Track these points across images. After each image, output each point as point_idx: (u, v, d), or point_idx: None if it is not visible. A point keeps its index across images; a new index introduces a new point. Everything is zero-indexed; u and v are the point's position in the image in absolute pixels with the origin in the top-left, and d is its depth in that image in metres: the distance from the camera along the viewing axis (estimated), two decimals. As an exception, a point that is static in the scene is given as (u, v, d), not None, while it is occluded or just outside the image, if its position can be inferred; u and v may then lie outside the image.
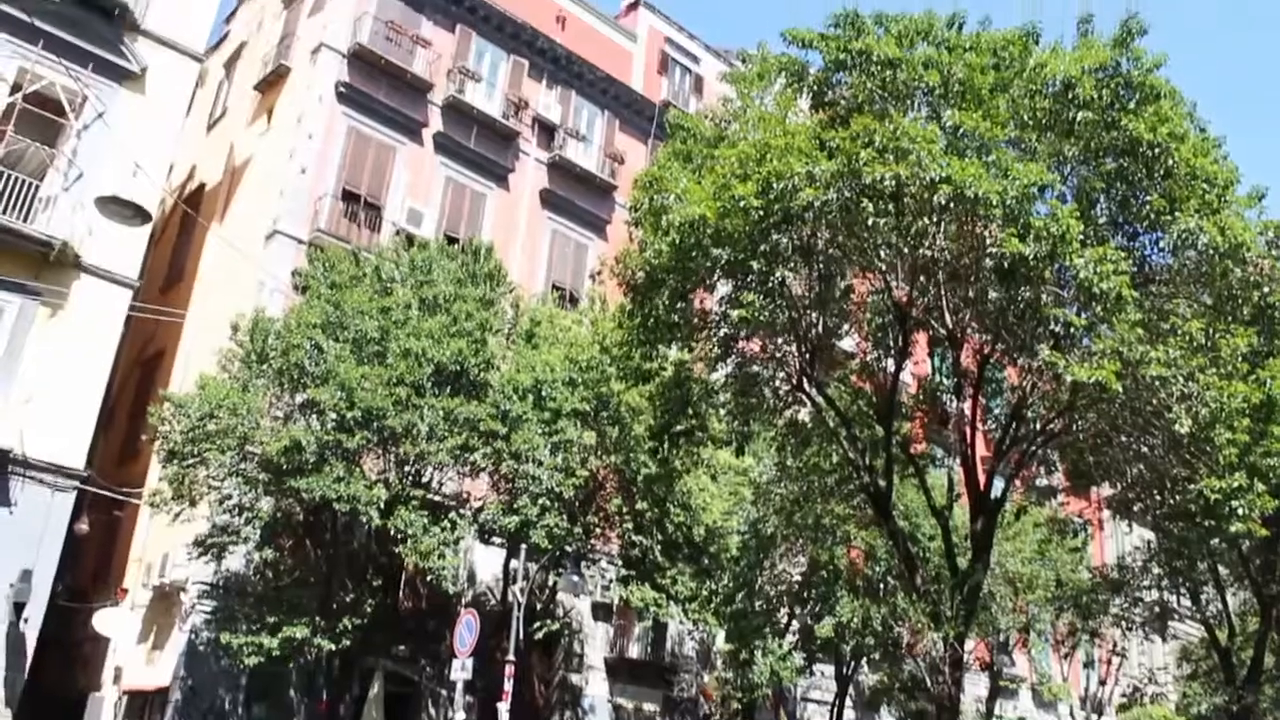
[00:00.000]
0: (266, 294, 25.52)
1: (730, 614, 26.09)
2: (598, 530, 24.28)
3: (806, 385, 18.06)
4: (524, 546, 21.33)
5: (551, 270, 32.18)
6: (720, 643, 29.63)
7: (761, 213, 14.76)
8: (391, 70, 29.63)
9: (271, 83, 30.49)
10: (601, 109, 34.99)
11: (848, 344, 20.22)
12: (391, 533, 20.70)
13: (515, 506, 21.88)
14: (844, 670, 31.29)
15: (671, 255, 15.55)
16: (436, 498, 22.32)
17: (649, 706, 31.37)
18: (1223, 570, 28.85)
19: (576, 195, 33.43)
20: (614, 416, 22.70)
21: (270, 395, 21.51)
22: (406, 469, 21.73)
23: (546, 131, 33.23)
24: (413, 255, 23.56)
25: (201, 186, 32.73)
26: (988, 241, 15.00)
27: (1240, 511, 15.92)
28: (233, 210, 30.29)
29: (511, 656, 19.88)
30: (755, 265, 15.45)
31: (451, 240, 27.92)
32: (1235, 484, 15.63)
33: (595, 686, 29.94)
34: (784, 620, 28.91)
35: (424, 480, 22.15)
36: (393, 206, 28.97)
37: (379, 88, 29.51)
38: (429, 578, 21.70)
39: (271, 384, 21.40)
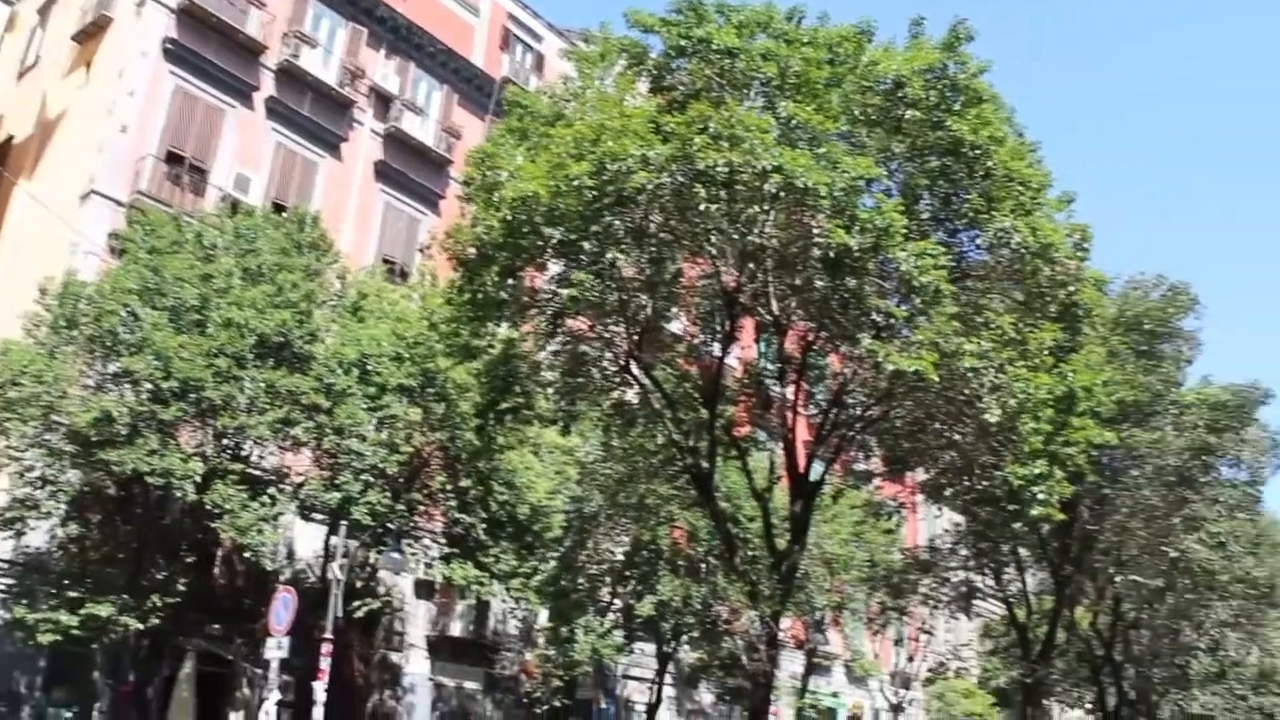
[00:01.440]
0: (80, 257, 24.36)
1: (553, 592, 26.21)
2: (421, 507, 24.03)
3: (634, 366, 18.21)
4: (345, 523, 20.98)
5: (383, 243, 31.58)
6: (542, 621, 29.73)
7: (595, 193, 14.79)
8: (223, 29, 28.49)
9: (91, 34, 28.93)
10: (440, 82, 34.44)
11: (676, 327, 20.42)
12: (208, 508, 20.08)
13: (337, 482, 21.50)
14: (664, 648, 31.75)
15: (502, 232, 15.45)
16: (256, 472, 21.75)
17: (470, 684, 31.28)
18: (1024, 552, 30.38)
19: (411, 168, 32.86)
20: (440, 393, 22.48)
21: (80, 363, 20.54)
22: (225, 442, 21.10)
23: (383, 102, 32.54)
24: (238, 222, 22.82)
25: (10, 139, 30.94)
26: (815, 231, 15.33)
27: (1041, 497, 16.79)
28: (45, 166, 28.72)
29: (329, 635, 19.55)
30: (587, 245, 15.48)
31: (280, 209, 27.10)
32: (1037, 471, 16.47)
33: (416, 664, 29.69)
34: (606, 599, 29.17)
35: (243, 454, 21.53)
36: (219, 171, 27.96)
37: (208, 46, 28.36)
38: (246, 554, 21.19)
39: (82, 351, 20.45)
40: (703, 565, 29.07)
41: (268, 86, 29.60)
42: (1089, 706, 44.55)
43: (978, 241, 17.69)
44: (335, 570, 20.21)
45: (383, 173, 32.13)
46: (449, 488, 23.51)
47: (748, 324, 19.60)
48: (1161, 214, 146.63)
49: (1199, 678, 44.40)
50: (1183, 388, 28.45)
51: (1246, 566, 33.21)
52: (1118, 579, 31.48)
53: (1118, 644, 36.16)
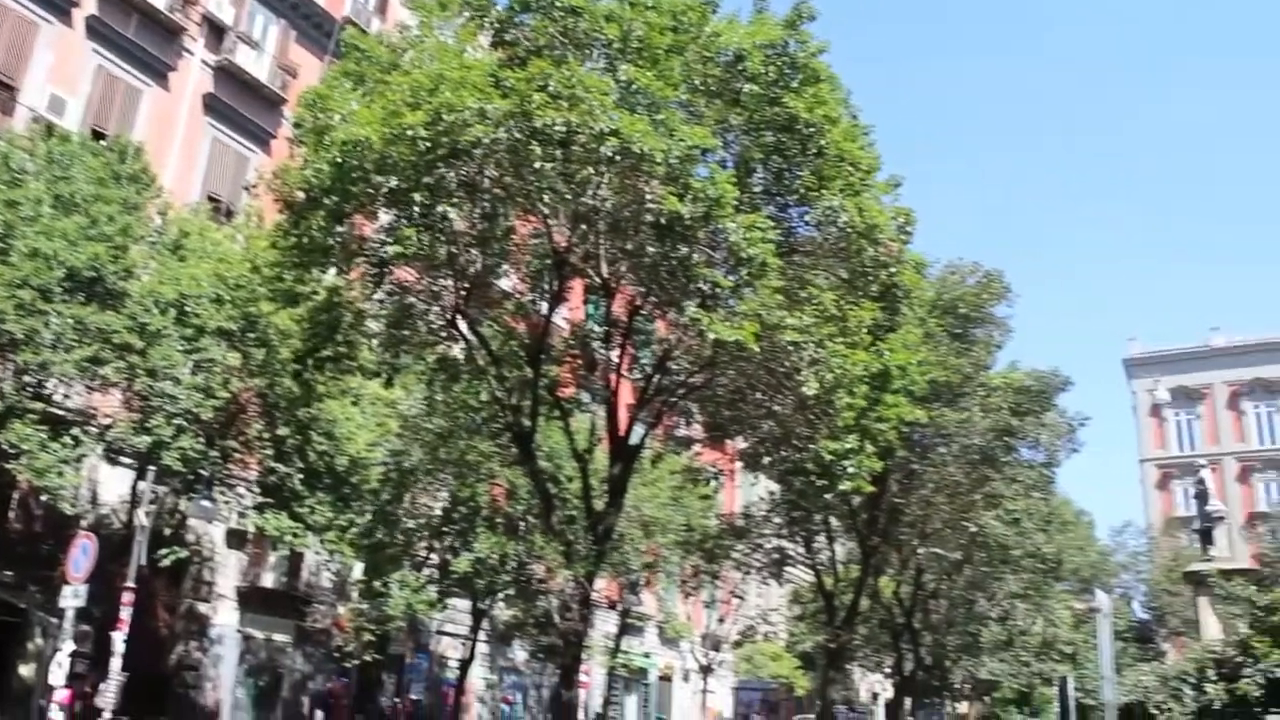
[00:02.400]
0: None
1: (368, 546, 25.90)
2: (236, 455, 23.38)
3: (460, 321, 18.06)
4: (154, 468, 20.28)
5: (208, 180, 30.42)
6: (357, 574, 29.37)
7: (429, 144, 14.57)
8: (41, -61, 26.84)
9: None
10: (278, 17, 33.23)
11: (505, 284, 20.32)
12: (3, 447, 19.12)
13: (148, 426, 20.73)
14: (479, 605, 31.75)
15: (332, 176, 15.08)
16: (59, 412, 20.81)
17: (280, 637, 30.70)
18: (834, 522, 31.40)
19: (242, 104, 31.68)
20: (261, 338, 21.88)
21: None
22: (25, 379, 20.08)
23: (216, 32, 31.20)
24: (51, 147, 21.61)
25: None
26: (648, 197, 15.43)
27: (852, 470, 17.36)
28: None
29: (131, 583, 18.91)
30: (418, 196, 15.22)
31: (99, 136, 25.74)
32: (849, 445, 17.02)
33: (224, 616, 28.96)
34: (422, 554, 28.99)
35: (45, 393, 20.54)
36: (31, 90, 26.41)
37: (21, -45, 26.70)
38: (44, 497, 20.28)
39: None
40: (521, 523, 29.15)
41: (89, 4, 27.99)
42: (888, 671, 46.48)
43: (806, 218, 18.09)
44: (141, 517, 19.55)
45: (212, 106, 30.89)
46: (266, 436, 22.94)
47: (577, 285, 19.65)
48: (981, 204, 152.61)
49: (989, 645, 46.87)
50: (991, 371, 29.73)
51: (1038, 543, 35.13)
52: (921, 551, 32.86)
53: (917, 612, 37.78)
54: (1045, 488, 35.20)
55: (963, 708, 62.79)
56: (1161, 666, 30.68)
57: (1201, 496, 35.75)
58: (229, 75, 31.29)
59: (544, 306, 18.74)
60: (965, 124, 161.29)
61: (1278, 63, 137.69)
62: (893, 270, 18.42)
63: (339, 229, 16.22)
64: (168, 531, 22.77)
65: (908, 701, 40.66)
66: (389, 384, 20.96)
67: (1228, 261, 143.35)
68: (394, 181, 15.03)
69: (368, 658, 28.64)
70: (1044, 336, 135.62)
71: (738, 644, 49.76)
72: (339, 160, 14.87)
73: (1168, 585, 57.49)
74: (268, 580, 30.11)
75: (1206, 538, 35.08)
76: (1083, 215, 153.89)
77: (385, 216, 16.86)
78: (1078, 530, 59.46)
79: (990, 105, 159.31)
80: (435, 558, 29.38)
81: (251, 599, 29.60)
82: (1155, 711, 27.64)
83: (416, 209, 15.51)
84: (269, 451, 22.82)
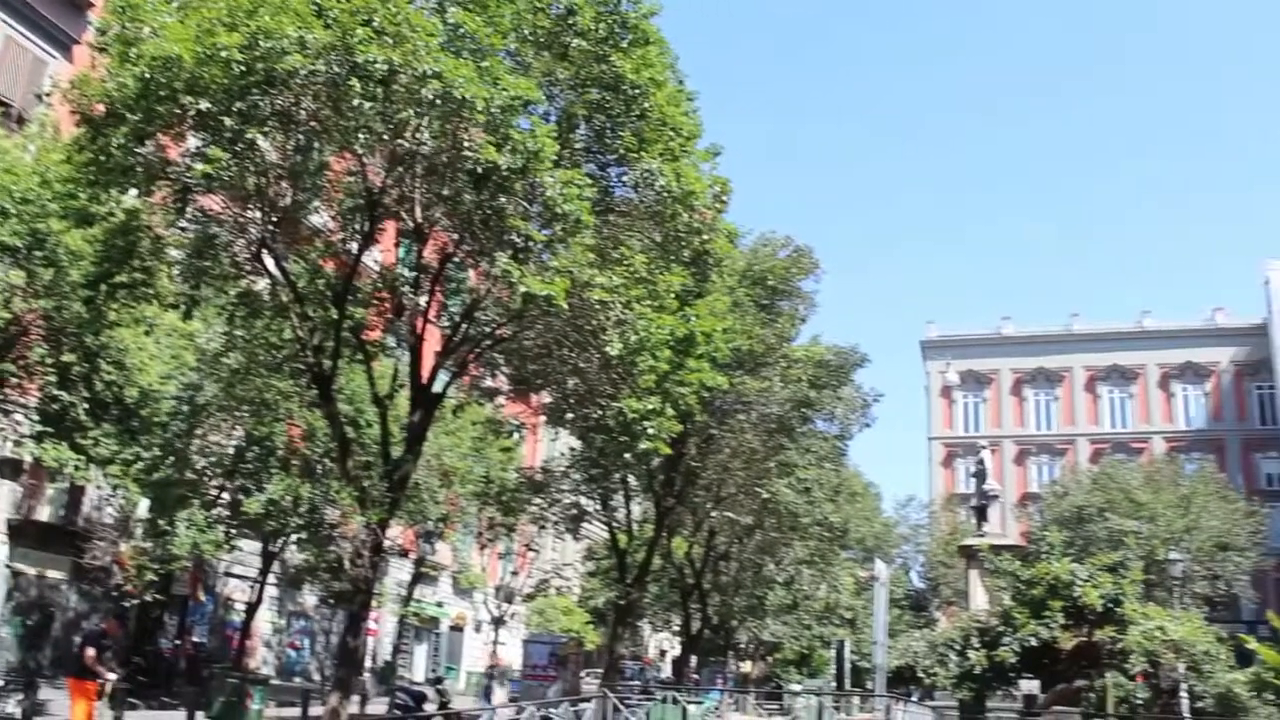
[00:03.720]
0: None
1: (155, 482, 24.94)
2: (14, 379, 22.12)
3: (267, 256, 17.50)
4: (-80, 386, 19.06)
5: (-2, 82, 28.53)
6: (142, 511, 28.28)
7: (244, 69, 14.00)
8: None
9: None
10: (87, -90, 31.25)
11: (316, 221, 19.76)
12: None
13: (-86, 341, 19.43)
14: (270, 547, 31.09)
15: (137, 92, 14.33)
16: None
17: (54, 573, 29.32)
18: (632, 481, 31.90)
19: (42, 1, 29.73)
20: (49, 257, 20.66)
21: None
22: None
23: (11, -77, 29.17)
24: None
25: None
26: (467, 145, 15.23)
27: (651, 431, 17.65)
28: None
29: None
30: (228, 122, 14.64)
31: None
32: (650, 406, 17.29)
33: (-8, 549, 27.52)
34: (212, 493, 28.12)
35: None
36: None
37: None
38: None
39: None
40: (318, 467, 28.58)
41: None
42: (677, 629, 47.64)
43: (625, 179, 18.21)
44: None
45: (6, 0, 28.91)
46: (49, 361, 21.76)
47: (390, 228, 19.29)
48: (796, 180, 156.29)
49: (774, 608, 48.58)
50: (793, 344, 30.63)
51: (826, 512, 36.47)
52: (714, 514, 33.73)
53: (707, 574, 38.81)
54: (837, 459, 36.62)
55: (746, 667, 64.93)
56: (931, 634, 32.33)
57: (980, 475, 37.82)
58: (27, -31, 29.31)
59: (354, 247, 18.30)
60: (785, 101, 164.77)
61: (1085, 61, 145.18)
62: (705, 238, 18.75)
63: (141, 149, 15.44)
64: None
65: (694, 659, 41.76)
66: (187, 315, 20.20)
67: (1023, 255, 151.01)
68: (204, 104, 14.38)
69: (148, 598, 27.69)
70: (849, 314, 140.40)
71: (531, 597, 50.12)
72: (146, 75, 14.15)
73: (944, 557, 60.61)
74: (44, 514, 28.66)
75: (981, 514, 37.17)
76: (895, 201, 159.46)
77: (193, 140, 16.16)
78: (865, 501, 62.11)
79: (810, 86, 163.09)
80: (226, 497, 28.56)
81: (25, 532, 28.14)
82: (923, 675, 29.14)
83: (226, 134, 14.91)
84: (52, 378, 21.66)
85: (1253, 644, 32.45)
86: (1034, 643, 27.15)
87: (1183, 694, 32.29)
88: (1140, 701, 36.36)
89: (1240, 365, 74.05)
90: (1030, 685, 27.63)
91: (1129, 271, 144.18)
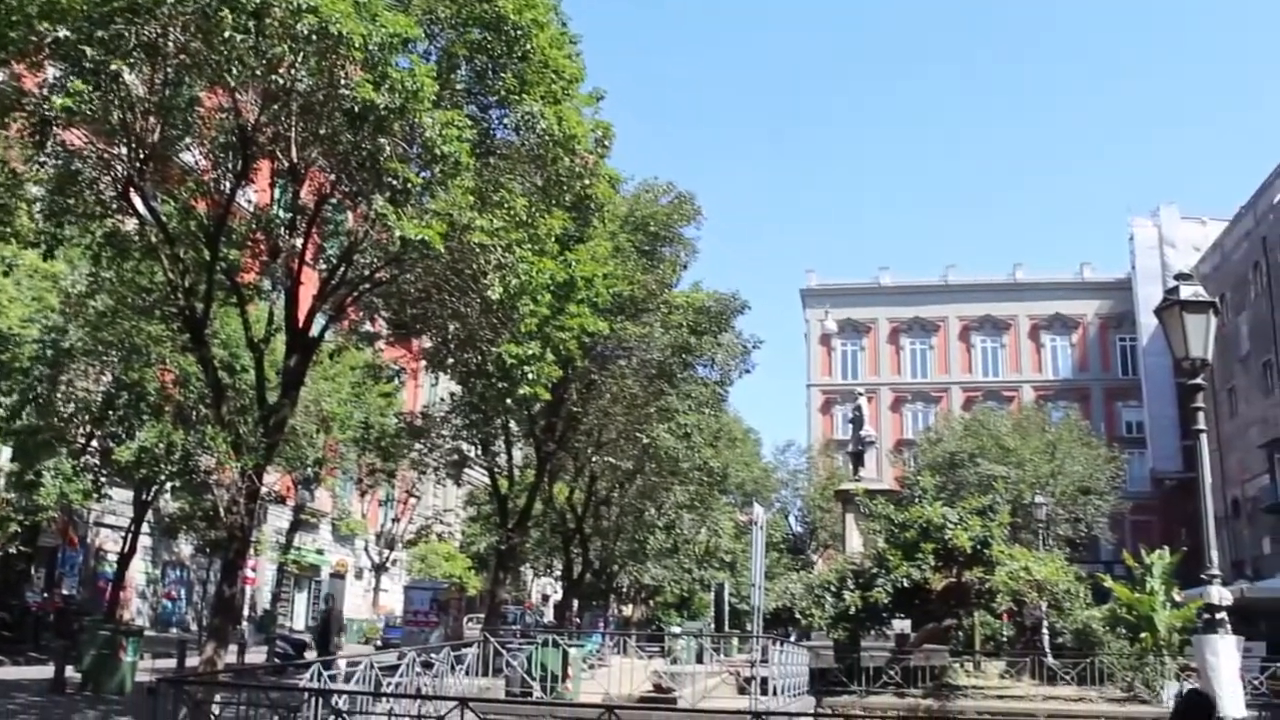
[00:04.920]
0: None
1: (18, 430, 24.14)
2: None
3: (134, 194, 16.91)
4: None
5: None
6: (3, 460, 27.37)
7: (107, -5, 13.45)
8: None
9: None
10: None
11: (187, 158, 19.12)
12: None
13: None
14: (143, 496, 30.39)
15: (-13, 17, 13.66)
16: None
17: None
18: (513, 427, 31.88)
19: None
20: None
21: None
22: None
23: None
24: None
25: None
26: (344, 83, 14.89)
27: (531, 376, 17.66)
28: None
29: None
30: (90, 51, 14.03)
31: None
32: (530, 351, 17.29)
33: None
34: (80, 441, 27.32)
35: None
36: None
37: None
38: None
39: None
40: (193, 413, 27.93)
41: None
42: (558, 574, 47.95)
43: (506, 121, 17.96)
44: None
45: None
46: (-101, 302, 20.88)
47: (265, 167, 18.78)
48: (678, 125, 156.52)
49: (655, 552, 49.21)
50: (675, 290, 30.79)
51: (705, 457, 36.97)
52: (595, 459, 33.89)
53: (589, 519, 39.06)
54: (717, 405, 37.07)
55: (627, 610, 65.79)
56: (808, 576, 33.11)
57: (857, 422, 38.68)
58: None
59: (227, 186, 17.77)
60: (668, 49, 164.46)
61: (963, 18, 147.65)
62: (587, 182, 18.65)
63: (-6, 78, 14.77)
64: None
65: (575, 603, 42.12)
66: (49, 255, 19.39)
67: (901, 208, 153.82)
68: (62, 31, 13.78)
69: (13, 550, 26.88)
70: (731, 262, 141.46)
71: (412, 543, 49.99)
72: (-2, 0, 13.50)
73: (821, 502, 61.96)
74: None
75: (858, 460, 38.06)
76: (777, 151, 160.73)
77: (52, 70, 15.48)
78: (745, 447, 63.07)
79: (691, 36, 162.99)
80: (95, 445, 27.76)
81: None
82: (800, 616, 29.82)
83: (88, 64, 14.30)
84: (-98, 320, 20.81)
85: (1109, 582, 34.11)
86: (906, 584, 27.93)
87: (1045, 630, 33.81)
88: (1006, 638, 37.98)
89: (1105, 318, 76.75)
90: (902, 624, 28.49)
91: (1004, 227, 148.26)
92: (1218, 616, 10.46)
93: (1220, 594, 10.58)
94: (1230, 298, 60.28)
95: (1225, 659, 10.20)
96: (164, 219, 17.32)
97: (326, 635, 33.06)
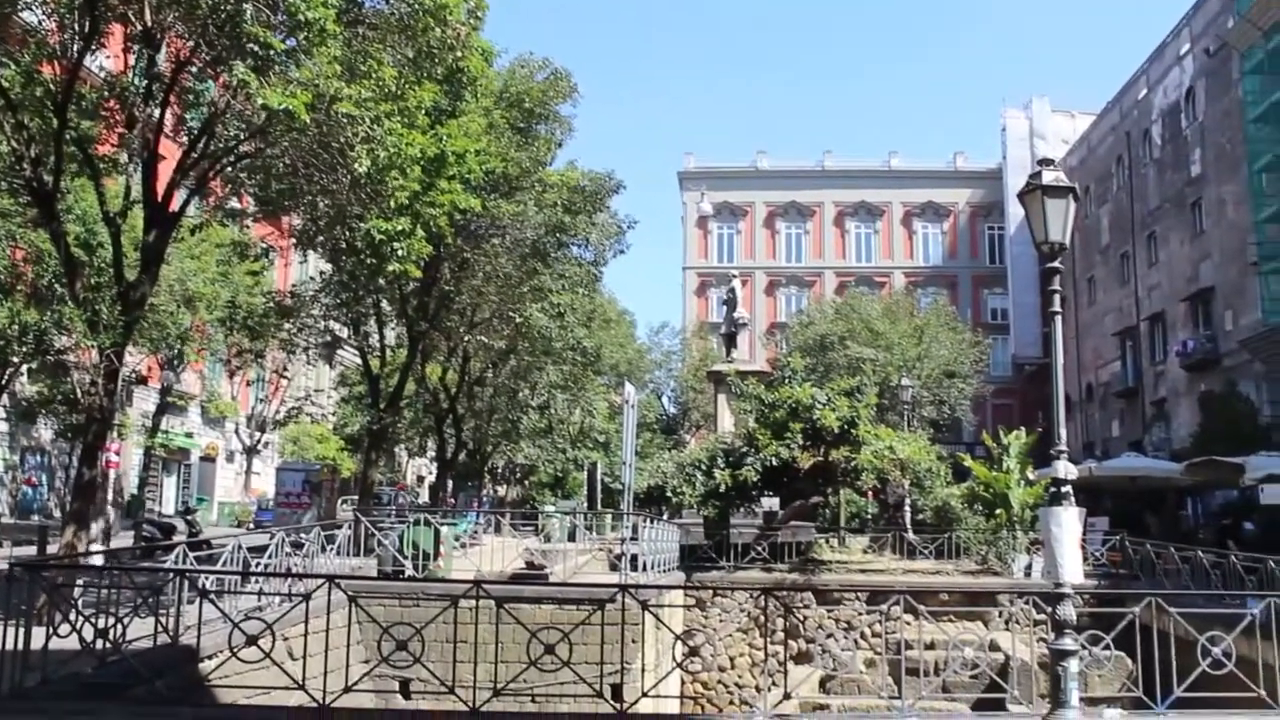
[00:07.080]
0: None
1: None
2: None
3: (-28, 58, 15.92)
4: None
5: None
6: None
7: None
8: None
9: None
10: None
11: (29, 18, 17.98)
12: None
13: None
14: (-2, 380, 29.30)
15: None
16: None
17: None
18: (385, 306, 31.48)
19: None
20: None
21: None
22: None
23: None
24: None
25: None
26: (199, -60, 14.15)
27: (401, 253, 17.38)
28: None
29: None
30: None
31: None
32: (400, 227, 16.99)
33: None
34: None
35: None
36: None
37: None
38: None
39: None
40: (49, 292, 26.83)
41: None
42: (432, 454, 47.94)
43: (376, -11, 17.37)
44: None
45: None
46: None
47: (118, 31, 17.80)
48: (557, 5, 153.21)
49: (529, 432, 49.47)
50: (549, 168, 30.44)
51: (579, 336, 37.07)
52: (469, 339, 33.73)
53: (462, 399, 39.00)
54: (591, 285, 37.06)
55: (502, 490, 66.26)
56: (680, 455, 33.60)
57: (730, 304, 39.04)
58: None
59: (75, 51, 16.80)
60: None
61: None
62: (459, 55, 18.20)
63: None
64: None
65: (450, 484, 42.24)
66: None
67: (780, 92, 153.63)
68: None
69: None
70: (608, 143, 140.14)
71: (283, 424, 49.31)
72: None
73: (694, 383, 62.73)
74: None
75: (731, 342, 38.53)
76: (655, 32, 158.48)
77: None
78: (619, 328, 63.38)
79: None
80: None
81: None
82: (671, 495, 30.34)
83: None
84: None
85: (969, 462, 35.47)
86: (775, 462, 28.57)
87: (907, 508, 35.09)
88: (870, 515, 39.33)
89: (975, 207, 78.33)
90: (771, 502, 29.23)
91: (881, 114, 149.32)
92: (1063, 490, 10.94)
93: (1066, 468, 11.05)
94: (1094, 190, 62.06)
95: (1068, 529, 10.71)
96: (4, 84, 16.34)
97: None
